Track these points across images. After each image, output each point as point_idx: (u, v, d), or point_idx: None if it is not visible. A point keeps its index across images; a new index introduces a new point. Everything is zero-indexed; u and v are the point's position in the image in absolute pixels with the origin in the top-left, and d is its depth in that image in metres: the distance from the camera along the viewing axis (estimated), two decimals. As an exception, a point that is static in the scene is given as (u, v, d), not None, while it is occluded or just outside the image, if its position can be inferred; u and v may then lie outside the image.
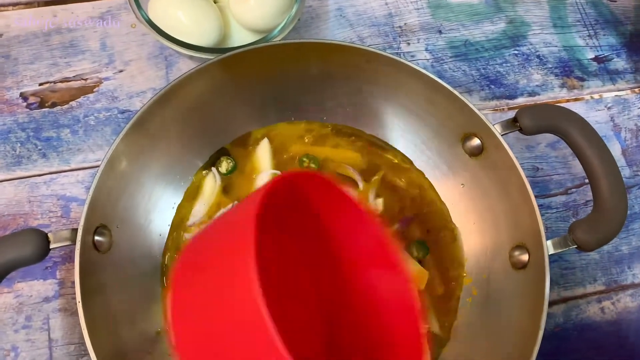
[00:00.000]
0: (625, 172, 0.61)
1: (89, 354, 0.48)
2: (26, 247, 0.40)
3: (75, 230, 0.42)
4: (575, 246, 0.45)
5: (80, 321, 0.40)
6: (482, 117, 0.48)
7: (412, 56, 0.63)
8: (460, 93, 0.48)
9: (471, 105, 0.48)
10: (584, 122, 0.48)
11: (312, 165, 0.54)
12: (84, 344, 0.49)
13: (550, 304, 0.55)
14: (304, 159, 0.54)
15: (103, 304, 0.43)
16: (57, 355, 0.49)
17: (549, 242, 0.45)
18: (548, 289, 0.43)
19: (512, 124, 0.48)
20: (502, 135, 0.47)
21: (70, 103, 0.58)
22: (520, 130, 0.48)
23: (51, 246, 0.41)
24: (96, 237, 0.44)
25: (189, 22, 0.52)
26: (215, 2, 0.57)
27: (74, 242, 0.41)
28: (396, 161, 0.55)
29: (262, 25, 0.54)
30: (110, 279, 0.45)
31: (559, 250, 0.45)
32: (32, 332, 0.50)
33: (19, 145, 0.55)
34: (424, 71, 0.49)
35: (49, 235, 0.41)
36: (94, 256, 0.43)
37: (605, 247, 0.57)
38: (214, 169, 0.53)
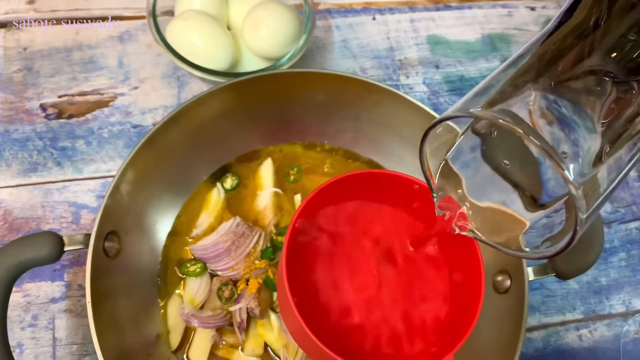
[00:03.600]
0: (607, 208, 0.64)
1: (90, 354, 0.51)
2: (43, 248, 0.43)
3: (88, 235, 0.45)
4: (554, 274, 0.48)
5: (90, 322, 0.42)
6: (472, 149, 0.51)
7: (411, 88, 0.67)
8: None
9: (462, 138, 0.51)
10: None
11: (297, 176, 0.58)
12: (86, 344, 0.52)
13: (531, 329, 0.58)
14: (289, 171, 0.58)
15: (110, 306, 0.46)
16: (60, 354, 0.51)
17: (530, 269, 0.48)
18: (527, 312, 0.46)
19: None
20: (490, 167, 0.51)
21: (86, 116, 0.61)
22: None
23: (65, 249, 0.44)
24: (106, 243, 0.46)
25: (203, 46, 0.56)
26: (228, 29, 0.61)
27: (86, 246, 0.44)
28: (391, 185, 0.58)
29: (272, 53, 0.58)
30: (117, 283, 0.48)
31: (539, 277, 0.48)
32: (37, 331, 0.52)
33: (35, 152, 0.59)
34: (419, 103, 0.52)
35: (64, 238, 0.44)
36: (104, 261, 0.46)
37: (585, 278, 0.60)
38: (218, 184, 0.57)
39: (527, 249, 0.35)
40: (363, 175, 0.43)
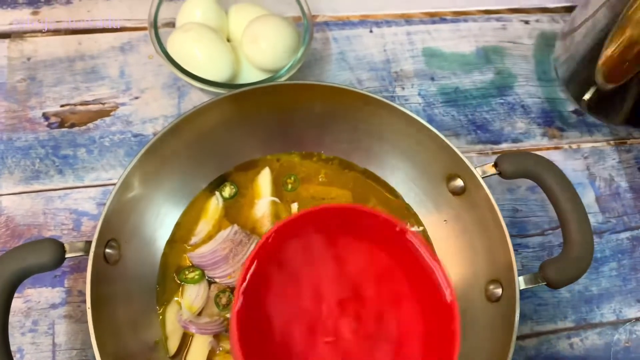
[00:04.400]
0: (598, 218, 0.65)
1: (89, 359, 0.51)
2: (44, 254, 0.44)
3: (89, 243, 0.46)
4: (545, 283, 0.49)
5: (89, 327, 0.43)
6: (465, 160, 0.52)
7: (406, 100, 0.68)
8: (446, 137, 0.53)
9: (455, 149, 0.52)
10: (558, 170, 0.52)
11: (295, 184, 0.59)
12: (85, 349, 0.53)
13: (523, 337, 0.59)
14: (287, 179, 0.59)
15: (109, 312, 0.47)
16: (59, 359, 0.52)
17: (521, 279, 0.49)
18: (517, 321, 0.47)
19: (493, 168, 0.52)
20: (482, 177, 0.52)
21: (88, 125, 0.62)
22: (500, 174, 0.52)
23: (66, 255, 0.45)
24: (107, 250, 0.47)
25: (204, 58, 0.57)
26: (228, 41, 0.62)
27: (87, 253, 0.45)
28: (386, 194, 0.60)
29: (270, 65, 0.59)
30: (117, 290, 0.49)
31: (530, 286, 0.49)
32: (37, 336, 0.53)
33: (38, 160, 0.60)
34: (414, 115, 0.53)
35: (65, 245, 0.45)
36: (104, 268, 0.47)
37: (576, 287, 0.62)
38: (217, 192, 0.58)
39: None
40: (317, 212, 0.42)
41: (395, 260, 0.45)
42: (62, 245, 0.45)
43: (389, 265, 0.45)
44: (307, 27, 0.60)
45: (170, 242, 0.55)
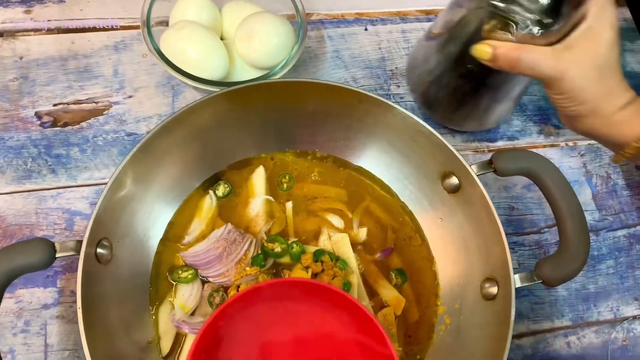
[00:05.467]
0: (595, 215, 0.65)
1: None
2: (34, 254, 0.43)
3: (80, 242, 0.45)
4: (541, 281, 0.49)
5: (80, 327, 0.43)
6: (460, 157, 0.52)
7: (401, 98, 0.67)
8: (442, 134, 0.52)
9: (450, 147, 0.52)
10: (554, 168, 0.52)
11: (290, 184, 0.59)
12: (77, 350, 0.52)
13: (520, 336, 0.59)
14: (282, 179, 0.59)
15: (101, 312, 0.46)
16: (51, 360, 0.52)
17: (517, 277, 0.48)
18: (513, 319, 0.46)
19: (488, 166, 0.52)
20: (477, 175, 0.51)
21: (81, 124, 0.62)
22: (495, 171, 0.52)
23: (57, 255, 0.44)
24: (98, 250, 0.47)
25: (197, 56, 0.57)
26: (222, 39, 0.62)
27: (78, 252, 0.45)
28: (381, 192, 0.59)
29: (264, 63, 0.59)
30: (109, 290, 0.48)
31: (526, 284, 0.48)
32: (29, 337, 0.52)
33: (30, 160, 0.59)
34: (409, 113, 0.53)
35: (56, 244, 0.44)
36: (96, 267, 0.46)
37: (573, 285, 0.61)
38: (211, 191, 0.57)
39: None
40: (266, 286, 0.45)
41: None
42: (52, 245, 0.44)
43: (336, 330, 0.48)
44: (301, 24, 0.60)
45: (164, 241, 0.55)
